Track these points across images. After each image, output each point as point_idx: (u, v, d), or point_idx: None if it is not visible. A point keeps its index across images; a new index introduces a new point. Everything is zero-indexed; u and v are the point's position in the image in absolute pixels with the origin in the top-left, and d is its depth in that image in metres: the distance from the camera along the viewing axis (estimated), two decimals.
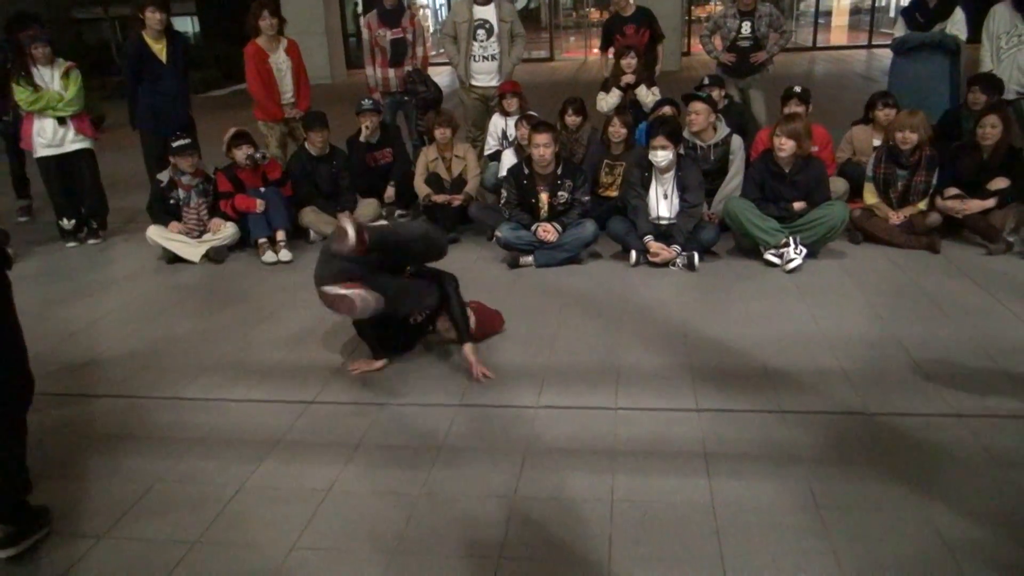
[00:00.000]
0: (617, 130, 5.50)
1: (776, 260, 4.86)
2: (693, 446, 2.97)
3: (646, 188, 5.06)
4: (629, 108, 6.15)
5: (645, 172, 5.06)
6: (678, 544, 2.44)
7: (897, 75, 6.46)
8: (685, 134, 5.31)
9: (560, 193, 5.09)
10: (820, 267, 4.87)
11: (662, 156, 4.89)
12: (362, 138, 6.01)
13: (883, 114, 5.60)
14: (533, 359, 3.78)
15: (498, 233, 5.16)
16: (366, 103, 6.09)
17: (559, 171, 5.08)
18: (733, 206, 4.99)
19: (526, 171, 5.13)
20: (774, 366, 3.60)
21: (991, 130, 5.02)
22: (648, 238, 4.93)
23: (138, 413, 3.43)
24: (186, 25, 19.96)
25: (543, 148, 4.94)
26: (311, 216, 5.74)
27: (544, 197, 5.12)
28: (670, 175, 5.00)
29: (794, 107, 5.52)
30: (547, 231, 5.00)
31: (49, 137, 5.75)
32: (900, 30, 6.48)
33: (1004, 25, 5.96)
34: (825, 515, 2.54)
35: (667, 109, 5.69)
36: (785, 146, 4.91)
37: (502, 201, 5.30)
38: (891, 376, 3.47)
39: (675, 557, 2.38)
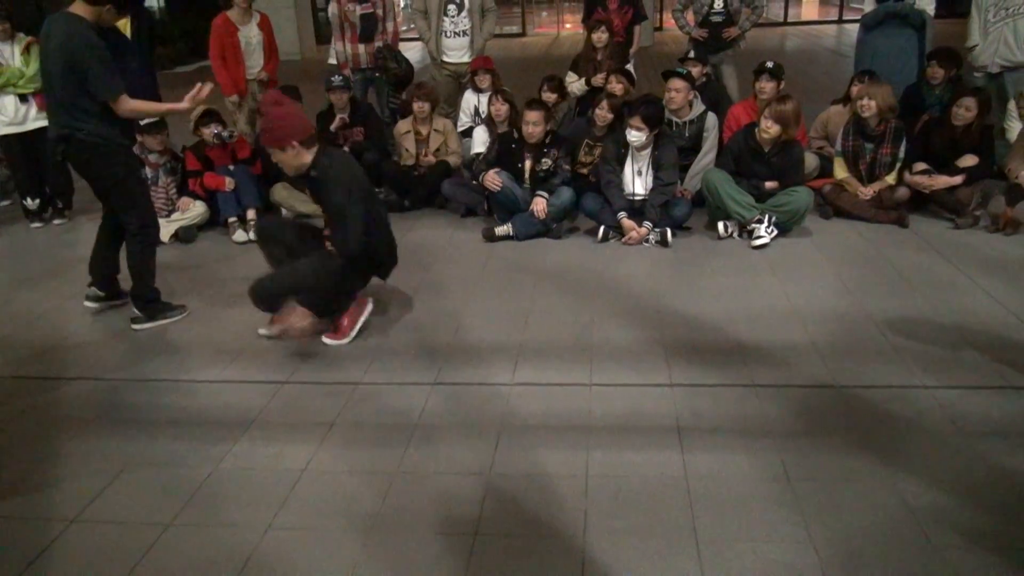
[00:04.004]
0: (604, 115, 5.39)
1: (723, 232, 4.96)
2: (667, 421, 3.00)
3: (621, 164, 5.07)
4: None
5: (621, 148, 5.06)
6: (652, 517, 2.47)
7: (863, 50, 6.48)
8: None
9: (544, 160, 5.21)
10: (791, 242, 4.91)
11: (635, 136, 4.89)
12: (333, 128, 5.94)
13: (855, 89, 5.63)
14: (507, 336, 3.78)
15: (487, 183, 5.20)
16: (336, 79, 5.99)
17: (547, 140, 5.24)
18: (713, 177, 5.00)
19: (516, 136, 5.27)
20: (746, 340, 3.64)
21: (965, 112, 5.06)
22: (622, 215, 4.94)
23: (108, 395, 3.39)
24: None
25: (532, 126, 5.12)
26: (282, 193, 5.66)
27: (528, 163, 5.25)
28: (646, 153, 5.01)
29: (765, 83, 5.53)
30: (539, 204, 5.05)
31: (11, 115, 5.60)
32: (869, 4, 6.50)
33: None
34: (796, 486, 2.59)
35: (613, 79, 5.73)
36: (771, 129, 4.91)
37: (479, 157, 5.44)
38: (860, 349, 3.52)
39: (649, 530, 2.41)
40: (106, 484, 2.75)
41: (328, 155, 3.64)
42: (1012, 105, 5.66)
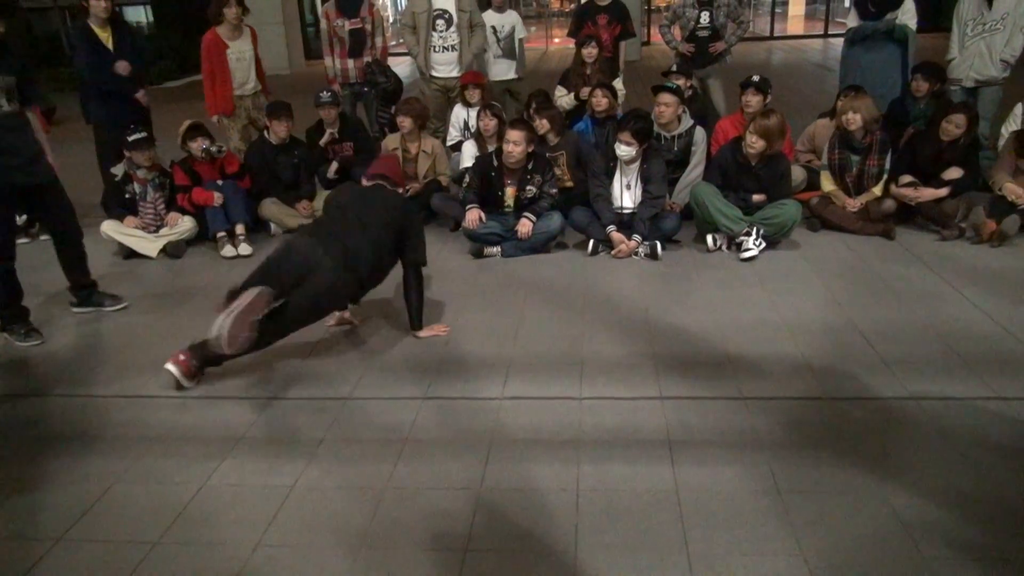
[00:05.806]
0: (539, 123, 5.51)
1: (712, 245, 5.00)
2: (657, 434, 3.00)
3: (610, 178, 5.08)
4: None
5: (610, 162, 5.07)
6: (643, 531, 2.46)
7: (848, 64, 6.54)
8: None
9: (528, 187, 5.11)
10: (779, 255, 4.93)
11: (624, 151, 4.91)
12: (323, 143, 5.93)
13: (840, 105, 5.68)
14: (497, 350, 3.78)
15: (465, 224, 5.12)
16: (324, 95, 6.00)
17: (529, 166, 5.08)
18: (700, 191, 5.03)
19: (495, 163, 5.11)
20: (735, 353, 3.65)
21: (954, 129, 5.12)
22: (611, 228, 4.95)
23: (94, 412, 3.37)
24: (139, 15, 19.46)
25: (513, 145, 4.92)
26: (272, 208, 5.66)
27: (511, 191, 5.12)
28: (634, 166, 5.02)
29: (751, 96, 5.57)
30: (524, 226, 5.00)
31: None
32: (852, 20, 6.57)
33: (971, 12, 6.05)
34: (786, 499, 2.59)
35: (599, 92, 5.78)
36: (756, 145, 4.94)
37: (463, 186, 5.30)
38: (849, 361, 3.54)
39: (640, 544, 2.41)
40: (92, 502, 2.72)
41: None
42: (1019, 109, 5.70)
